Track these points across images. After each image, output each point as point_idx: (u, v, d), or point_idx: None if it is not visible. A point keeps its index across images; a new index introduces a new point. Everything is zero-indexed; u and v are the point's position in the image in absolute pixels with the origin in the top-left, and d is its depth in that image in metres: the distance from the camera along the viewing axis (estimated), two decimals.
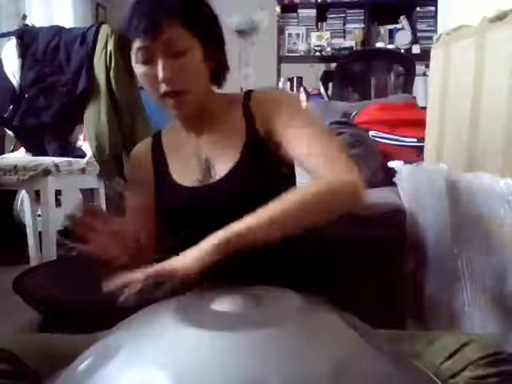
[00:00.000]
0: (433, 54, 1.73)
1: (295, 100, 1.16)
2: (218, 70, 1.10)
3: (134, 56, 1.02)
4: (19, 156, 2.50)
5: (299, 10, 4.43)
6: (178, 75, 1.00)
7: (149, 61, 1.00)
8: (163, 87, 1.00)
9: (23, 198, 2.74)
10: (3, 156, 2.55)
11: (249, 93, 1.13)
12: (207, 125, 1.11)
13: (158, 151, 1.16)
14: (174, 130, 1.17)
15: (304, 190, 0.94)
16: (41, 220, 2.31)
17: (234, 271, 0.94)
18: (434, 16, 3.94)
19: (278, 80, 4.34)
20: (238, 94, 1.14)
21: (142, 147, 1.19)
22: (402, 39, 4.25)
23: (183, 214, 1.08)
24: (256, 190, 1.03)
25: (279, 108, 1.05)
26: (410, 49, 4.21)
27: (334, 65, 4.31)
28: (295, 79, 4.45)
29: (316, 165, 0.99)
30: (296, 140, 1.02)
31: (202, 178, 1.08)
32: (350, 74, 3.83)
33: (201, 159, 1.10)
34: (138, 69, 1.03)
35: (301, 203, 0.91)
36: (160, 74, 0.99)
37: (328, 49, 4.31)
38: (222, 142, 1.09)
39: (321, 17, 4.42)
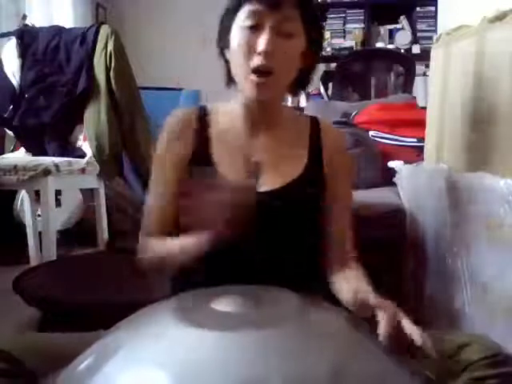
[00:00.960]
0: (433, 54, 1.73)
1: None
2: (304, 76, 1.07)
3: (240, 20, 0.98)
4: (19, 156, 2.50)
5: None
6: (276, 54, 0.96)
7: (255, 29, 0.96)
8: (258, 60, 0.95)
9: (23, 197, 2.74)
10: (3, 156, 2.55)
11: (316, 119, 1.12)
12: (268, 127, 1.06)
13: (202, 129, 1.07)
14: (226, 117, 1.09)
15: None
16: (41, 220, 2.31)
17: (234, 272, 0.94)
18: (434, 16, 3.94)
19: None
20: (303, 114, 1.15)
21: (186, 117, 1.09)
22: (402, 39, 4.24)
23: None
24: (300, 214, 1.03)
25: (348, 172, 1.12)
26: (410, 49, 4.20)
27: (334, 65, 4.31)
28: None
29: (339, 238, 1.06)
30: (342, 208, 1.08)
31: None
32: (350, 73, 3.83)
33: (249, 161, 1.04)
34: (239, 34, 0.98)
35: None
36: (263, 46, 0.95)
37: (328, 49, 4.30)
38: (280, 153, 1.05)
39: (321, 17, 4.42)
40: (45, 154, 2.43)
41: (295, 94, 1.12)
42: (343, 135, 1.20)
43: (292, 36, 0.98)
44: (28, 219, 2.61)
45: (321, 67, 4.62)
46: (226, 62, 1.04)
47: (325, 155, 1.07)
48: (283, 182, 1.02)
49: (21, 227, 2.72)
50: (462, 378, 0.75)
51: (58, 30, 2.56)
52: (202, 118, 1.08)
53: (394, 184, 1.82)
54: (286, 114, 1.11)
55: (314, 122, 1.11)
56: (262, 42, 0.95)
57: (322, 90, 4.18)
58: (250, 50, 0.96)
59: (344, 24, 4.38)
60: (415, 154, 2.08)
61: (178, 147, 1.05)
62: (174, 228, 1.02)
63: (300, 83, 1.08)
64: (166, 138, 1.08)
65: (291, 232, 1.02)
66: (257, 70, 0.96)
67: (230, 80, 1.05)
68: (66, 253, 2.75)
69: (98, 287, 1.74)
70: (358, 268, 1.02)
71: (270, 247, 1.01)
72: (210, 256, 1.02)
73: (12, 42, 2.56)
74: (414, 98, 2.89)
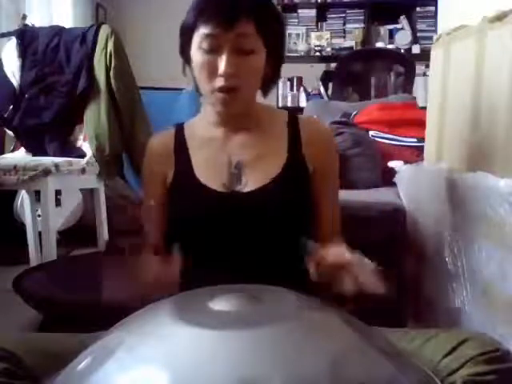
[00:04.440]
0: (433, 53, 1.73)
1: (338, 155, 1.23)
2: (270, 78, 1.09)
3: (197, 42, 0.99)
4: (19, 156, 2.50)
5: (299, 10, 4.43)
6: (238, 73, 0.97)
7: (213, 51, 0.97)
8: (220, 81, 0.98)
9: (23, 197, 2.74)
10: (3, 156, 2.55)
11: (293, 114, 1.14)
12: (244, 126, 1.08)
13: (180, 143, 1.11)
14: (201, 124, 1.12)
15: None
16: (41, 220, 2.31)
17: (235, 271, 0.95)
18: (434, 16, 3.95)
19: (278, 80, 4.34)
20: (280, 110, 1.16)
21: (164, 138, 1.14)
22: (402, 39, 4.25)
23: (202, 216, 1.04)
24: (284, 212, 1.04)
25: (332, 161, 1.13)
26: (410, 49, 4.21)
27: (334, 65, 4.32)
28: (295, 79, 4.45)
29: (327, 221, 1.11)
30: (326, 195, 1.11)
31: (229, 183, 1.04)
32: (350, 73, 3.83)
33: (230, 162, 1.06)
34: (198, 56, 1.00)
35: None
36: (223, 68, 0.96)
37: (328, 49, 4.31)
38: (261, 150, 1.07)
39: (321, 17, 4.42)
40: (45, 154, 2.43)
41: (266, 93, 1.13)
42: (324, 127, 1.21)
43: (252, 52, 0.99)
44: (28, 219, 2.61)
45: (321, 67, 4.63)
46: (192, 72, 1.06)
47: (305, 149, 1.08)
48: (265, 180, 1.04)
49: (21, 227, 2.72)
50: (460, 374, 0.75)
51: (58, 30, 2.56)
52: (179, 135, 1.12)
53: (394, 184, 1.82)
54: (261, 112, 1.12)
55: (292, 117, 1.13)
56: (222, 64, 0.97)
57: (322, 90, 4.19)
58: (212, 71, 0.98)
59: (344, 24, 4.39)
60: (415, 154, 2.08)
61: (159, 170, 1.11)
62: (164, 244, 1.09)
63: (268, 83, 1.10)
64: (146, 165, 1.14)
65: (277, 228, 1.04)
66: (221, 89, 0.99)
67: (198, 89, 1.07)
68: (65, 253, 2.75)
69: (98, 287, 1.74)
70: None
71: (257, 245, 1.03)
72: (202, 258, 1.05)
73: (12, 42, 2.56)
74: (414, 98, 2.90)
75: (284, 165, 1.05)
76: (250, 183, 1.04)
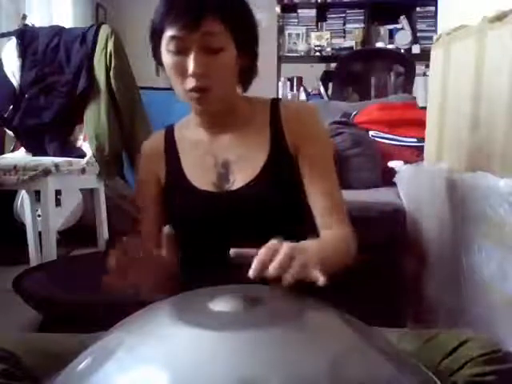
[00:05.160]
0: (433, 53, 1.73)
1: (326, 135, 1.19)
2: (247, 72, 1.07)
3: (165, 45, 0.98)
4: (19, 156, 2.50)
5: (299, 10, 4.43)
6: (208, 72, 0.97)
7: (181, 52, 0.97)
8: (191, 82, 0.97)
9: (23, 197, 2.74)
10: (3, 156, 2.55)
11: (276, 101, 1.11)
12: (229, 125, 1.08)
13: (170, 145, 1.12)
14: (190, 126, 1.13)
15: (339, 241, 1.01)
16: (41, 220, 2.31)
17: (232, 269, 0.95)
18: (434, 16, 3.95)
19: (278, 80, 4.34)
20: (264, 100, 1.13)
21: (155, 140, 1.15)
22: (402, 39, 4.25)
23: (196, 217, 1.06)
24: (275, 203, 1.03)
25: (314, 139, 1.07)
26: (410, 49, 4.21)
27: (334, 65, 4.32)
28: (295, 79, 4.45)
29: (322, 209, 1.04)
30: (314, 178, 1.05)
31: (218, 182, 1.06)
32: (350, 73, 3.84)
33: (218, 161, 1.07)
34: (167, 58, 0.99)
35: (338, 252, 0.98)
36: (191, 69, 0.96)
37: (328, 49, 4.31)
38: (244, 147, 1.07)
39: (321, 17, 4.42)
40: (45, 154, 2.43)
41: (245, 88, 1.11)
42: (304, 107, 1.15)
43: (222, 49, 0.98)
44: (28, 219, 2.61)
45: (321, 67, 4.63)
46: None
47: (287, 135, 1.07)
48: (250, 176, 1.04)
49: (21, 227, 2.72)
50: (461, 375, 0.75)
51: (58, 30, 2.56)
52: (170, 136, 1.14)
53: (394, 184, 1.82)
54: (245, 107, 1.11)
55: (274, 104, 1.11)
56: (190, 65, 0.96)
57: (322, 90, 4.19)
58: (182, 72, 0.98)
59: (344, 24, 4.39)
60: (415, 154, 2.08)
61: (152, 172, 1.12)
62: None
63: (246, 78, 1.09)
64: (140, 166, 1.15)
65: (270, 223, 1.03)
66: (193, 90, 0.98)
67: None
68: (66, 253, 2.75)
69: (98, 287, 1.73)
70: (338, 232, 1.02)
71: (254, 242, 1.02)
72: (199, 257, 1.05)
73: (12, 42, 2.56)
74: (414, 98, 2.90)
75: (267, 158, 1.05)
76: (237, 181, 1.05)
